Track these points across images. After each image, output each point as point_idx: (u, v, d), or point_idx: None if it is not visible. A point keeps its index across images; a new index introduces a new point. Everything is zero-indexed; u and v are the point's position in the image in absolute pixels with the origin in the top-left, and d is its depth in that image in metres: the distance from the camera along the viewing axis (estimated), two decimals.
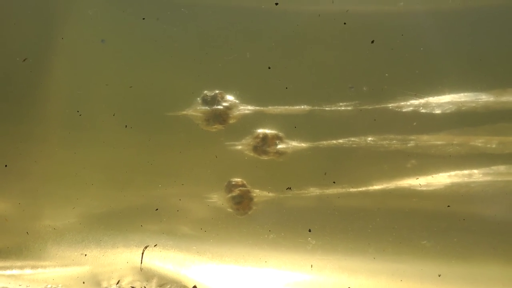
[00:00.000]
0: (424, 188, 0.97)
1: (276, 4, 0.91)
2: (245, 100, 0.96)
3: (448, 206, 0.93)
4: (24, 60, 0.96)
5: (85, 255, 0.97)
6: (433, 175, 0.97)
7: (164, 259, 0.97)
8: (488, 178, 0.97)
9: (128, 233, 0.96)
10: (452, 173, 0.98)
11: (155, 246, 0.96)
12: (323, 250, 0.94)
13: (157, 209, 0.96)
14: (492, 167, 0.97)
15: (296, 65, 0.94)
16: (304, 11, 0.93)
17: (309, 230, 0.95)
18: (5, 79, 0.97)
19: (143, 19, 0.94)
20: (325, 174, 0.95)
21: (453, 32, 0.92)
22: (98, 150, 0.96)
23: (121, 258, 0.97)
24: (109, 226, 0.97)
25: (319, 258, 0.95)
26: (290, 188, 0.96)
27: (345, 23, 0.92)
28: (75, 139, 0.96)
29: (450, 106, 0.97)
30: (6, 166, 0.97)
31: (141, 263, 0.96)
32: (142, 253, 0.95)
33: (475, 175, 0.97)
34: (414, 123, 0.95)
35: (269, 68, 0.94)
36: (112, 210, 0.97)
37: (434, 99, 0.96)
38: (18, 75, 0.96)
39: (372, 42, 0.92)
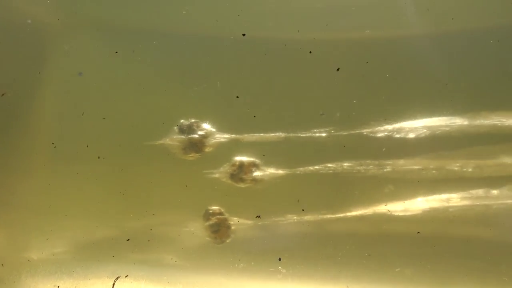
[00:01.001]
0: (401, 214, 0.96)
1: (243, 35, 0.93)
2: (220, 128, 0.97)
3: (418, 232, 0.93)
4: (3, 94, 0.98)
5: (58, 286, 0.96)
6: (411, 200, 0.96)
7: None
8: (467, 202, 0.96)
9: (100, 264, 0.96)
10: (430, 197, 0.97)
11: (126, 277, 0.95)
12: (293, 279, 0.93)
13: (128, 239, 0.96)
14: (470, 191, 0.97)
15: (265, 94, 0.95)
16: (271, 41, 0.94)
17: (279, 259, 0.94)
18: None
19: (116, 52, 0.96)
20: (298, 201, 0.95)
21: (420, 57, 0.93)
22: (72, 181, 0.96)
23: None
24: (82, 257, 0.96)
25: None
26: (259, 217, 0.96)
27: (310, 52, 0.93)
28: (50, 170, 0.97)
29: (424, 131, 0.96)
30: None
31: None
32: (113, 284, 0.95)
33: (453, 199, 0.97)
34: (388, 148, 0.95)
35: (237, 97, 0.95)
36: (85, 241, 0.97)
37: (407, 124, 0.96)
38: None
39: (338, 69, 0.93)
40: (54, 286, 0.96)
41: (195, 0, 0.97)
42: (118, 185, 0.96)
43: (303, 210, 0.94)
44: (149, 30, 0.97)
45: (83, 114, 0.96)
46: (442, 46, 0.93)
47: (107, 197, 0.96)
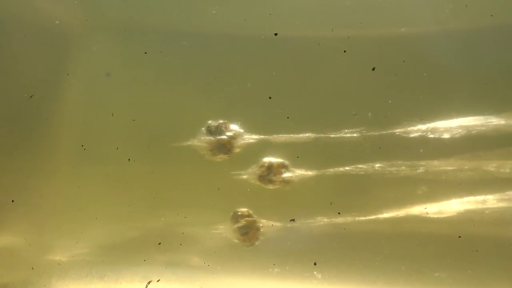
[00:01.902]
0: (436, 216, 0.93)
1: (275, 34, 0.91)
2: (249, 129, 0.96)
3: (459, 236, 0.90)
4: (31, 96, 0.98)
5: None
6: (445, 202, 0.94)
7: None
8: (503, 204, 0.94)
9: (132, 268, 0.95)
10: (465, 199, 0.94)
11: (158, 281, 0.94)
12: (329, 284, 0.91)
13: (160, 243, 0.95)
14: (507, 192, 0.94)
15: (297, 94, 0.93)
16: (304, 40, 0.93)
17: (315, 263, 0.92)
18: (13, 115, 0.99)
19: (145, 53, 0.95)
20: (330, 204, 0.93)
21: (457, 56, 0.91)
22: (102, 184, 0.96)
23: None
24: (113, 260, 0.96)
25: None
26: (293, 220, 0.94)
27: (345, 51, 0.91)
28: (79, 173, 0.97)
29: (460, 131, 0.94)
30: (12, 201, 0.98)
31: None
32: None
33: (489, 201, 0.94)
34: (422, 149, 0.92)
35: (270, 98, 0.93)
36: (116, 244, 0.96)
37: (442, 124, 0.94)
38: (25, 111, 0.98)
39: (373, 69, 0.91)
40: None
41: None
42: (149, 187, 0.95)
43: (339, 213, 0.92)
44: (178, 30, 0.96)
45: (112, 115, 0.95)
46: (479, 43, 0.91)
47: (137, 200, 0.95)
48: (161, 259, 0.95)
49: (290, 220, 0.94)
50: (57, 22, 0.97)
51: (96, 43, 0.97)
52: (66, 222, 0.97)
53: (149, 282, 0.94)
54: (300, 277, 0.92)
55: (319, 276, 0.92)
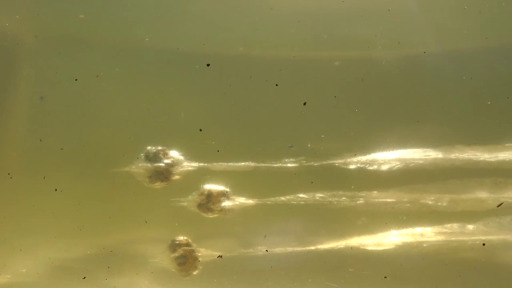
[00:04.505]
0: (374, 248, 0.93)
1: (208, 65, 0.90)
2: (188, 157, 0.94)
3: (385, 277, 0.90)
4: None
5: None
6: (384, 233, 0.93)
7: None
8: (441, 238, 0.94)
9: None
10: (404, 231, 0.94)
11: None
12: None
13: (84, 277, 0.92)
14: (445, 225, 0.94)
15: (230, 126, 0.92)
16: (237, 72, 0.91)
17: None
18: None
19: (76, 80, 0.92)
20: (265, 237, 0.91)
21: (390, 91, 0.91)
22: (28, 214, 0.92)
23: None
24: None
25: None
26: (221, 256, 0.92)
27: (277, 85, 0.90)
28: (5, 202, 0.93)
29: (398, 163, 0.94)
30: None
31: None
32: None
33: (427, 233, 0.94)
34: (361, 180, 0.92)
35: (200, 130, 0.91)
36: (40, 277, 0.92)
37: (380, 156, 0.93)
38: None
39: (305, 104, 0.90)
40: None
41: (159, 26, 0.93)
42: (75, 218, 0.91)
43: (266, 250, 0.91)
44: (113, 55, 0.93)
45: (41, 140, 0.92)
46: (413, 78, 0.90)
47: (63, 232, 0.92)
48: None
49: (218, 256, 0.92)
50: None
51: (28, 66, 0.94)
52: None
53: None
54: None
55: None
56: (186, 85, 0.93)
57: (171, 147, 0.94)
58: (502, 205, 0.92)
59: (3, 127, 0.94)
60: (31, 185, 0.93)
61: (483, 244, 0.91)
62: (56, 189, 0.92)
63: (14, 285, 0.94)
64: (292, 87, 0.90)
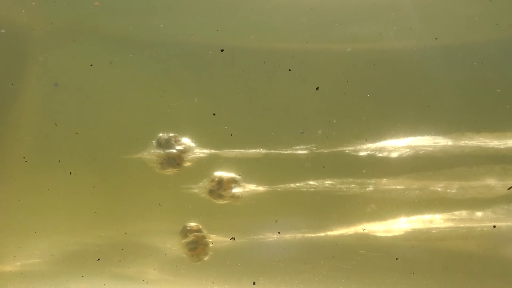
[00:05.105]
0: (383, 235, 0.94)
1: (222, 50, 0.91)
2: (200, 143, 0.95)
3: (397, 259, 0.91)
4: None
5: None
6: (393, 220, 0.94)
7: None
8: (450, 224, 0.94)
9: (70, 284, 0.92)
10: (413, 218, 0.95)
11: None
12: None
13: (99, 259, 0.93)
14: (454, 213, 0.95)
15: (243, 111, 0.93)
16: (249, 57, 0.92)
17: (254, 283, 0.92)
18: None
19: (91, 65, 0.94)
20: (276, 221, 0.92)
21: (402, 76, 0.92)
22: (42, 197, 0.93)
23: None
24: (50, 276, 0.93)
25: None
26: (234, 238, 0.93)
27: (290, 70, 0.91)
28: (20, 185, 0.94)
29: (407, 150, 0.94)
30: None
31: None
32: None
33: (437, 220, 0.95)
34: (371, 167, 0.93)
35: (214, 114, 0.93)
36: (54, 260, 0.94)
37: (389, 143, 0.94)
38: None
39: (317, 88, 0.91)
40: None
41: (173, 13, 0.95)
42: (90, 202, 0.93)
43: (279, 233, 0.92)
44: (127, 42, 0.94)
45: (56, 124, 0.93)
46: (424, 65, 0.91)
47: (78, 215, 0.93)
48: (100, 276, 0.93)
49: (231, 239, 0.94)
50: (2, 31, 0.95)
51: (43, 53, 0.95)
52: (3, 236, 0.94)
53: None
54: None
55: None
56: (199, 71, 0.94)
57: (184, 132, 0.95)
58: None
59: (19, 112, 0.96)
60: (46, 168, 0.94)
61: (494, 227, 0.92)
62: (70, 173, 0.94)
63: (28, 266, 0.95)
64: (304, 72, 0.91)
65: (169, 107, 0.94)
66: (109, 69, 0.94)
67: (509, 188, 0.91)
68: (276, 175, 0.94)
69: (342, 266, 0.91)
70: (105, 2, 0.95)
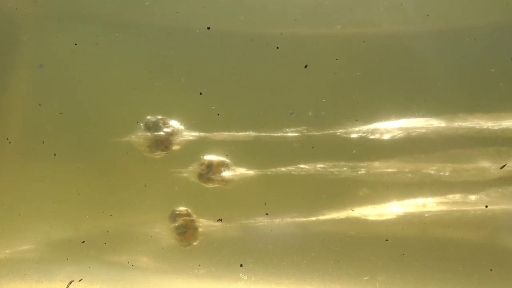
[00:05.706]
0: (375, 218, 0.92)
1: (208, 28, 0.89)
2: (188, 125, 0.93)
3: (386, 240, 0.89)
4: None
5: None
6: (385, 204, 0.93)
7: None
8: (443, 208, 0.93)
9: (54, 267, 0.91)
10: (405, 202, 0.93)
11: (80, 280, 0.91)
12: (255, 286, 0.89)
13: (83, 242, 0.92)
14: (447, 196, 0.93)
15: (230, 91, 0.91)
16: (237, 35, 0.90)
17: (241, 265, 0.91)
18: None
19: (75, 44, 0.92)
20: (265, 204, 0.90)
21: (393, 56, 0.89)
22: (26, 179, 0.92)
23: None
24: (34, 259, 0.92)
25: None
26: (220, 220, 0.92)
27: (278, 47, 0.89)
28: (3, 167, 0.93)
29: (400, 132, 0.92)
30: None
31: None
32: None
33: (429, 204, 0.93)
34: (362, 150, 0.91)
35: (201, 93, 0.91)
36: (38, 242, 0.92)
37: (381, 125, 0.92)
38: None
39: (306, 67, 0.89)
40: None
41: None
42: (74, 184, 0.91)
43: (266, 214, 0.91)
44: (113, 22, 0.93)
45: (40, 105, 0.91)
46: (417, 44, 0.89)
47: (62, 197, 0.92)
48: (84, 259, 0.92)
49: (217, 220, 0.92)
50: None
51: (27, 33, 0.93)
52: None
53: (70, 282, 0.91)
54: (226, 278, 0.90)
55: (245, 277, 0.90)
56: (186, 49, 0.92)
57: (171, 113, 0.94)
58: (505, 167, 0.91)
59: (2, 92, 0.94)
60: (30, 149, 0.93)
61: (486, 206, 0.90)
62: (55, 154, 0.92)
63: (12, 248, 0.93)
64: (293, 50, 0.89)
65: (156, 87, 0.92)
66: (95, 49, 0.92)
67: (501, 167, 0.89)
68: (266, 159, 0.93)
69: (331, 248, 0.89)
70: None
